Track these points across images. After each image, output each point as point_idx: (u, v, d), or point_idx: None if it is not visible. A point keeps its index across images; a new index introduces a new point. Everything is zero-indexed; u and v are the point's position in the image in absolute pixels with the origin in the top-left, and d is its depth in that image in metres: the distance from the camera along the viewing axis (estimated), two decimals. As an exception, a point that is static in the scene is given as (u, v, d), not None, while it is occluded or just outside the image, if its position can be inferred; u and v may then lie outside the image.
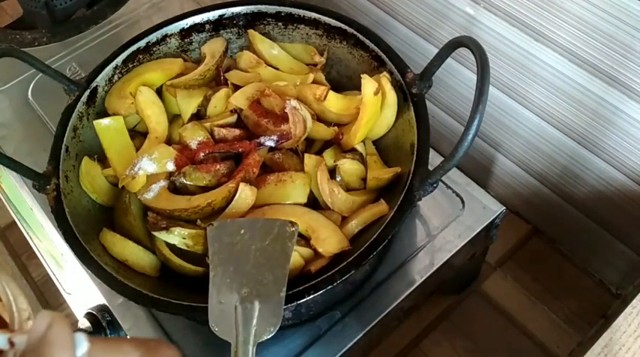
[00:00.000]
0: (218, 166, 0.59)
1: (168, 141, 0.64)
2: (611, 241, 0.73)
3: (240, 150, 0.61)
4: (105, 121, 0.63)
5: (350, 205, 0.57)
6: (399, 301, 0.59)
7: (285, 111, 0.60)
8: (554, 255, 0.82)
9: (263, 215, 0.55)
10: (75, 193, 0.59)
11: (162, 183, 0.60)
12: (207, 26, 0.70)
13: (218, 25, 0.70)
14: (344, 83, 0.67)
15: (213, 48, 0.69)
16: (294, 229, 0.51)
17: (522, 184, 0.80)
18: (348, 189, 0.59)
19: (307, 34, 0.69)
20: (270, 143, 0.61)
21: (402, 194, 0.52)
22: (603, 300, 0.77)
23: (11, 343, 0.29)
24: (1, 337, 0.29)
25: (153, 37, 0.68)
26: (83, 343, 0.29)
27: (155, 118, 0.64)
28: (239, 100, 0.63)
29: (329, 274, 0.49)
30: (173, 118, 0.66)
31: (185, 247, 0.57)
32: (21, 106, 0.79)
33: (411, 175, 0.53)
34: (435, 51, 0.54)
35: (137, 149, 0.63)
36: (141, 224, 0.59)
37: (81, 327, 0.60)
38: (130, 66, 0.68)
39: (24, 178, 0.66)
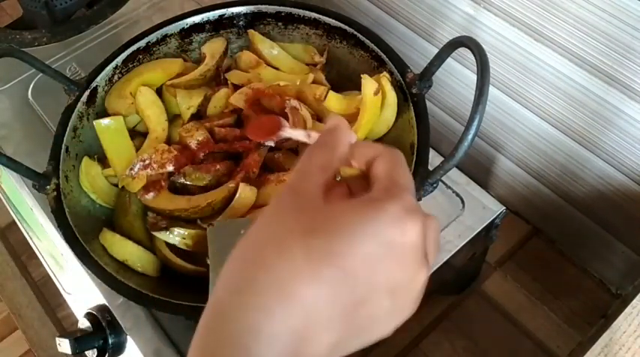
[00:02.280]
0: (218, 166, 0.59)
1: (168, 141, 0.64)
2: (611, 241, 0.73)
3: (240, 150, 0.61)
4: (105, 121, 0.63)
5: (350, 205, 0.57)
6: (399, 301, 0.59)
7: (285, 111, 0.60)
8: (554, 255, 0.82)
9: (263, 215, 0.55)
10: (75, 193, 0.59)
11: (162, 183, 0.60)
12: (207, 26, 0.70)
13: (218, 25, 0.70)
14: (344, 83, 0.67)
15: (213, 48, 0.69)
16: (294, 229, 0.51)
17: (522, 184, 0.80)
18: (348, 189, 0.59)
19: (307, 34, 0.69)
20: (270, 143, 0.61)
21: (402, 194, 0.52)
22: (603, 300, 0.77)
23: (308, 135, 0.38)
24: (302, 131, 0.39)
25: (153, 37, 0.68)
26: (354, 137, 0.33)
27: (155, 118, 0.64)
28: (239, 100, 0.63)
29: (329, 274, 0.49)
30: (173, 118, 0.67)
31: (185, 247, 0.57)
32: (21, 106, 0.79)
33: (411, 175, 0.53)
34: (435, 51, 0.54)
35: (137, 149, 0.63)
36: (141, 224, 0.59)
37: (81, 327, 0.60)
38: (130, 66, 0.67)
39: (24, 178, 0.65)
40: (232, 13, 0.70)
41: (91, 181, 0.61)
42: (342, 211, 0.26)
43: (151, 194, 0.59)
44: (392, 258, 0.26)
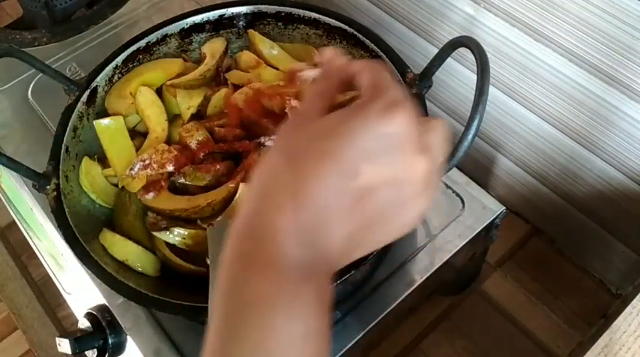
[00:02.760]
0: (218, 166, 0.59)
1: (168, 141, 0.64)
2: (611, 241, 0.73)
3: (240, 150, 0.61)
4: (105, 121, 0.63)
5: (350, 205, 0.57)
6: (399, 301, 0.59)
7: (285, 111, 0.60)
8: (554, 255, 0.82)
9: (263, 215, 0.55)
10: (75, 193, 0.59)
11: (162, 183, 0.60)
12: (207, 26, 0.70)
13: (218, 25, 0.70)
14: (344, 83, 0.67)
15: (213, 48, 0.69)
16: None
17: (522, 184, 0.80)
18: (348, 189, 0.59)
19: (307, 34, 0.69)
20: (270, 143, 0.61)
21: (402, 194, 0.52)
22: (603, 300, 0.77)
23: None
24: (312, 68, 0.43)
25: (153, 37, 0.68)
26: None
27: (155, 118, 0.64)
28: (239, 100, 0.63)
29: (329, 274, 0.49)
30: (173, 118, 0.66)
31: (185, 247, 0.57)
32: (21, 106, 0.79)
33: (411, 175, 0.53)
34: (435, 51, 0.54)
35: (137, 149, 0.63)
36: (141, 224, 0.59)
37: (81, 327, 0.60)
38: (130, 66, 0.67)
39: (24, 178, 0.65)
40: (232, 13, 0.70)
41: (91, 181, 0.61)
42: (334, 118, 0.30)
43: (151, 194, 0.59)
44: (383, 149, 0.28)
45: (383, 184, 0.29)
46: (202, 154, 0.60)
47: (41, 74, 0.66)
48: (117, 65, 0.66)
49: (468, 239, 0.62)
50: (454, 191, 0.65)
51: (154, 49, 0.69)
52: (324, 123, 0.30)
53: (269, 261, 0.27)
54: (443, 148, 0.32)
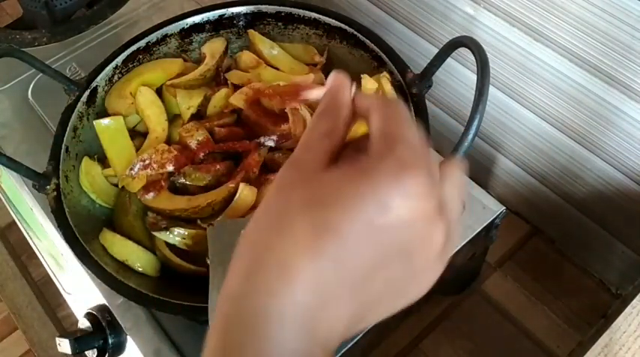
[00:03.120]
0: (218, 166, 0.59)
1: (168, 141, 0.64)
2: (611, 241, 0.73)
3: (240, 150, 0.61)
4: (105, 121, 0.63)
5: (350, 205, 0.57)
6: (399, 301, 0.59)
7: (285, 111, 0.60)
8: (554, 255, 0.82)
9: (263, 215, 0.55)
10: (75, 193, 0.59)
11: (162, 183, 0.60)
12: (207, 26, 0.70)
13: (218, 25, 0.71)
14: (344, 83, 0.67)
15: (213, 48, 0.69)
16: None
17: (522, 184, 0.80)
18: (348, 189, 0.59)
19: (307, 34, 0.69)
20: (270, 143, 0.61)
21: (402, 194, 0.52)
22: (603, 300, 0.77)
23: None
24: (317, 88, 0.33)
25: (153, 37, 0.68)
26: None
27: (155, 118, 0.64)
28: (239, 100, 0.63)
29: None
30: (173, 118, 0.67)
31: (185, 247, 0.57)
32: (21, 106, 0.79)
33: (411, 175, 0.53)
34: (435, 51, 0.55)
35: (137, 149, 0.63)
36: (141, 224, 0.59)
37: (81, 327, 0.60)
38: (130, 66, 0.67)
39: (24, 178, 0.65)
40: (232, 13, 0.70)
41: (91, 181, 0.61)
42: (338, 180, 0.25)
43: (151, 194, 0.59)
44: (395, 220, 0.24)
45: (391, 259, 0.25)
46: (202, 154, 0.60)
47: (41, 74, 0.66)
48: (117, 65, 0.66)
49: (467, 239, 0.62)
50: (454, 191, 0.65)
51: (154, 49, 0.69)
52: (325, 183, 0.25)
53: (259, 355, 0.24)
54: (459, 199, 0.28)
